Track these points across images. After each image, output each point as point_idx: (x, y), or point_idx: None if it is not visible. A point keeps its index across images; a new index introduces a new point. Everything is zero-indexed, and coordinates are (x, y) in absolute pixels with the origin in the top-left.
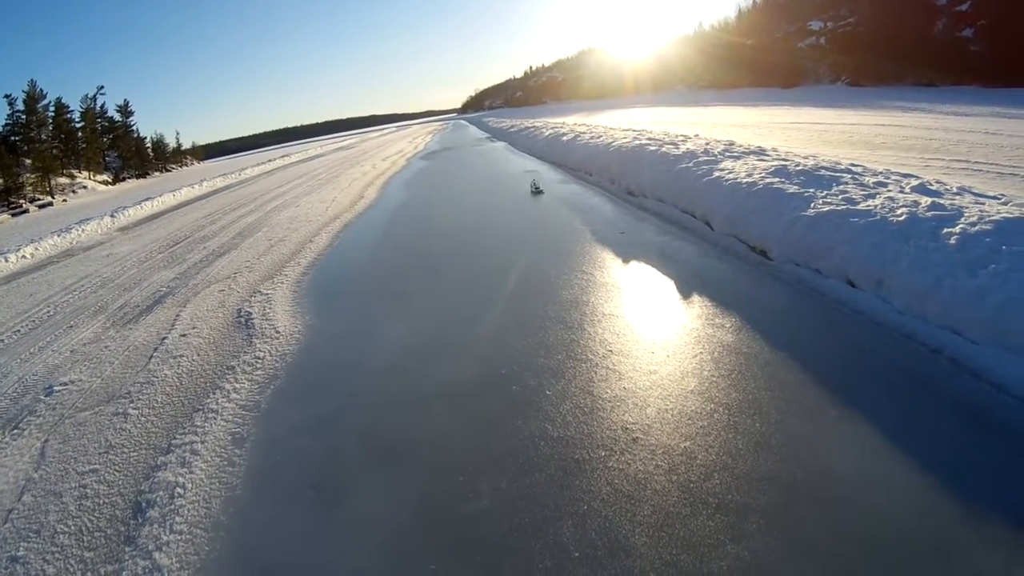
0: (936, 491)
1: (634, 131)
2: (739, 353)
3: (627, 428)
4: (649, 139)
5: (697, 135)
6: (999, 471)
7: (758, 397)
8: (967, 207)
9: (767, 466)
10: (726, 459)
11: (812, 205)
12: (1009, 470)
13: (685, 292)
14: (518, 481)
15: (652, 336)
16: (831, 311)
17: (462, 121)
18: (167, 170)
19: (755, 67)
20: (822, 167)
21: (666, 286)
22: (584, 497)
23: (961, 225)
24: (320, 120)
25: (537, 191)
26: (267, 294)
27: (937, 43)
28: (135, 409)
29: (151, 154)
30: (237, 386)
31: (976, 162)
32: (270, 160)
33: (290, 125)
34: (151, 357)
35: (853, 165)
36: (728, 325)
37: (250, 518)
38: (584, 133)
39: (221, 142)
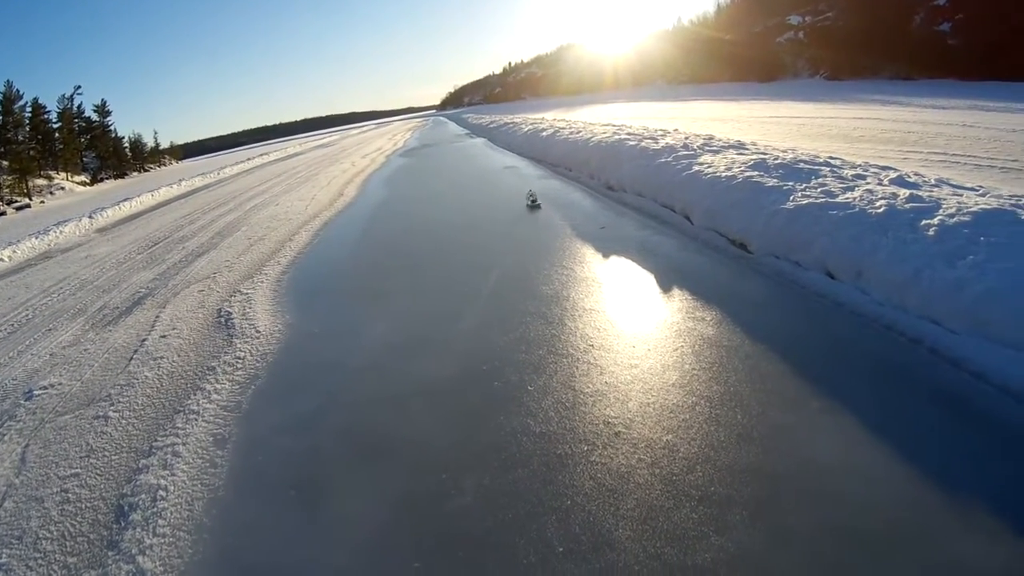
0: (918, 480)
1: (613, 126)
2: (720, 346)
3: (609, 422)
4: (628, 134)
5: (676, 130)
6: (979, 460)
7: (739, 390)
8: (945, 199)
9: (749, 458)
10: (708, 452)
11: (791, 198)
12: (989, 458)
13: (665, 286)
14: (501, 477)
15: (633, 330)
16: (811, 303)
17: (441, 118)
18: (145, 170)
19: (734, 62)
20: (801, 160)
21: (646, 280)
22: (567, 492)
23: (939, 217)
24: (300, 118)
25: (534, 205)
26: (247, 294)
27: (915, 37)
28: (116, 412)
29: (129, 154)
30: (218, 387)
31: (954, 154)
32: (249, 159)
33: (269, 123)
34: (131, 359)
35: (832, 158)
36: (709, 318)
37: (233, 519)
38: (563, 128)
39: (200, 141)
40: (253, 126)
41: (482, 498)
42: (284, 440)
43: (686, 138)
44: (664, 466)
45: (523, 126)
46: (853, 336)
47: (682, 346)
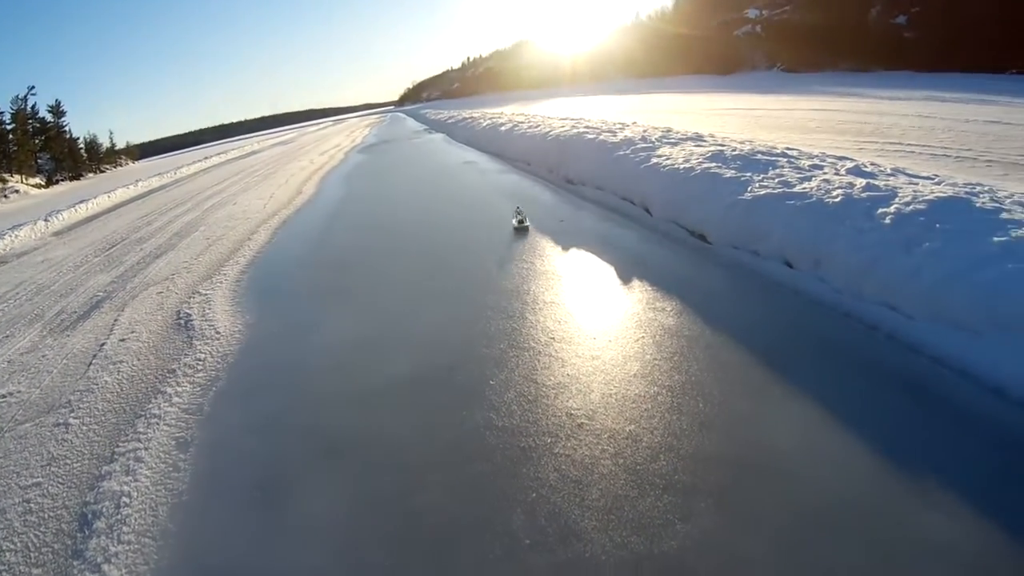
0: (879, 464)
1: (572, 120)
2: (681, 336)
3: (572, 414)
4: (587, 127)
5: (635, 123)
6: (939, 442)
7: (701, 378)
8: (901, 188)
9: (712, 446)
10: (671, 440)
11: (749, 189)
12: (947, 440)
13: (625, 278)
14: (465, 472)
15: (594, 322)
16: (770, 292)
17: (400, 114)
18: (102, 171)
19: (692, 55)
20: (758, 151)
21: (607, 272)
22: (532, 484)
23: (896, 205)
24: (258, 115)
25: (521, 226)
26: (206, 295)
27: (871, 30)
28: (76, 419)
29: (85, 155)
30: (179, 390)
31: (909, 144)
32: (207, 158)
33: (228, 121)
34: (90, 364)
35: (789, 149)
36: (669, 309)
37: (198, 523)
38: (522, 123)
39: (158, 140)
40: (212, 124)
41: (447, 493)
42: (247, 441)
43: (644, 131)
44: (628, 456)
45: (482, 121)
46: (812, 324)
47: (643, 337)
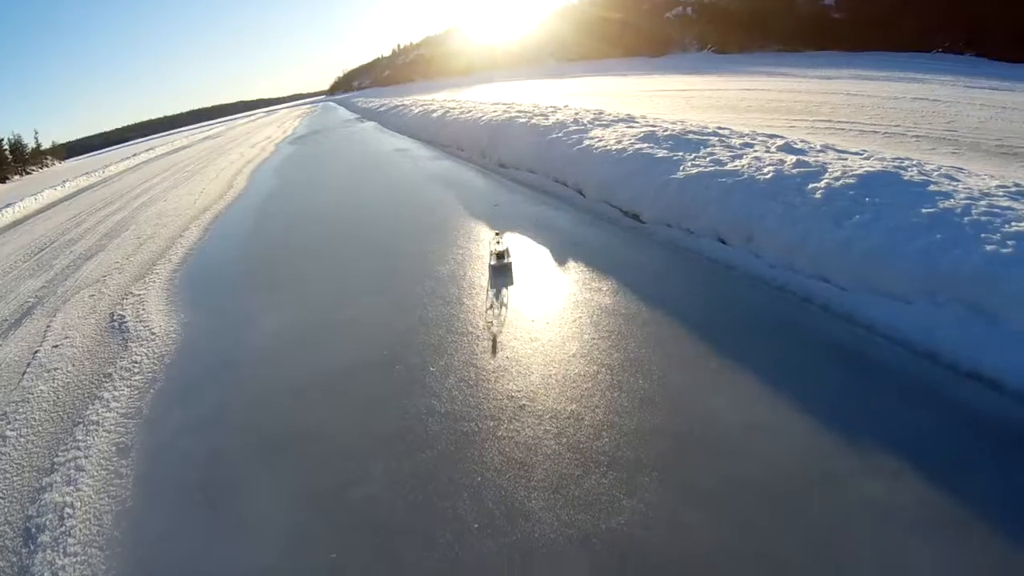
0: (817, 430)
1: (504, 105)
2: (618, 314)
3: (513, 396)
4: (519, 111)
5: (567, 106)
6: (873, 406)
7: (639, 356)
8: (831, 163)
9: (654, 421)
10: (613, 417)
11: (681, 168)
12: (882, 404)
13: (561, 259)
14: (410, 460)
15: (531, 304)
16: (705, 269)
17: (331, 103)
18: (27, 172)
19: (625, 38)
20: (690, 131)
21: (542, 254)
22: (477, 468)
23: (826, 180)
24: (187, 109)
25: (502, 264)
26: (139, 295)
27: (800, 11)
28: (13, 431)
29: (9, 157)
30: (116, 394)
31: (839, 121)
32: (135, 155)
33: (156, 116)
34: (24, 373)
35: (720, 128)
36: (606, 288)
37: (145, 529)
38: (454, 108)
39: (84, 139)
40: (139, 120)
41: (393, 483)
42: (189, 443)
43: (576, 114)
44: (571, 435)
45: (413, 108)
46: (747, 298)
47: (581, 317)
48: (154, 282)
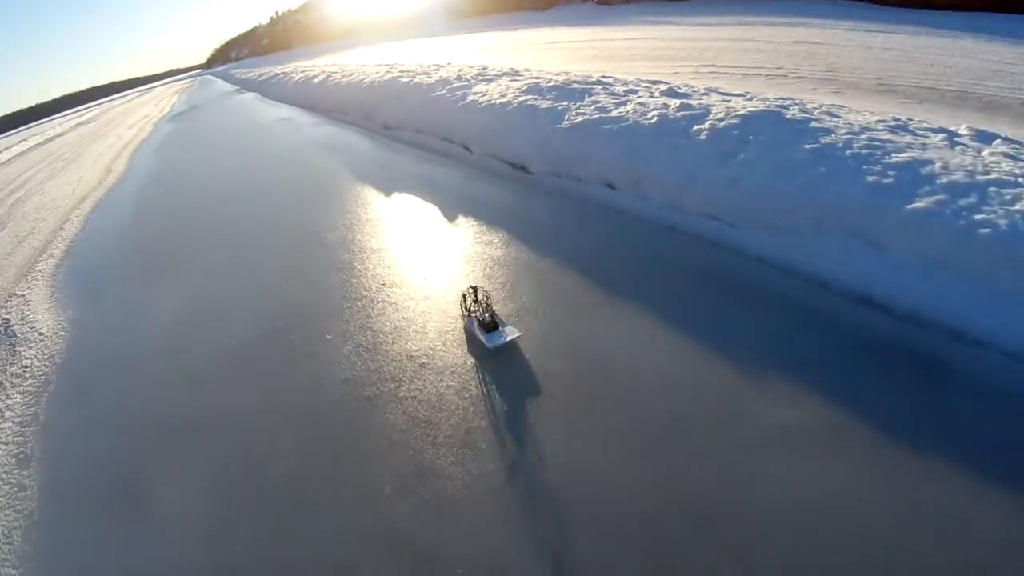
0: (713, 360)
1: (386, 66)
2: (509, 265)
3: (412, 356)
4: (402, 71)
5: (450, 63)
6: (768, 333)
7: (533, 304)
8: (715, 105)
9: (553, 364)
10: (512, 367)
11: (566, 118)
12: (777, 330)
13: (451, 215)
14: (313, 432)
15: (423, 263)
16: (594, 214)
17: (209, 76)
18: None
19: None
20: (574, 81)
21: (432, 213)
22: (382, 431)
23: (710, 122)
24: (58, 95)
25: (492, 329)
26: (23, 295)
27: None
28: None
29: None
30: (9, 402)
31: (723, 66)
32: (7, 148)
33: (26, 106)
34: None
35: (604, 77)
36: (497, 241)
37: (58, 540)
38: (336, 73)
39: None
40: (6, 111)
41: (300, 458)
42: (91, 443)
43: (460, 70)
44: (472, 388)
45: (294, 75)
46: (637, 241)
47: (473, 271)
48: (37, 280)
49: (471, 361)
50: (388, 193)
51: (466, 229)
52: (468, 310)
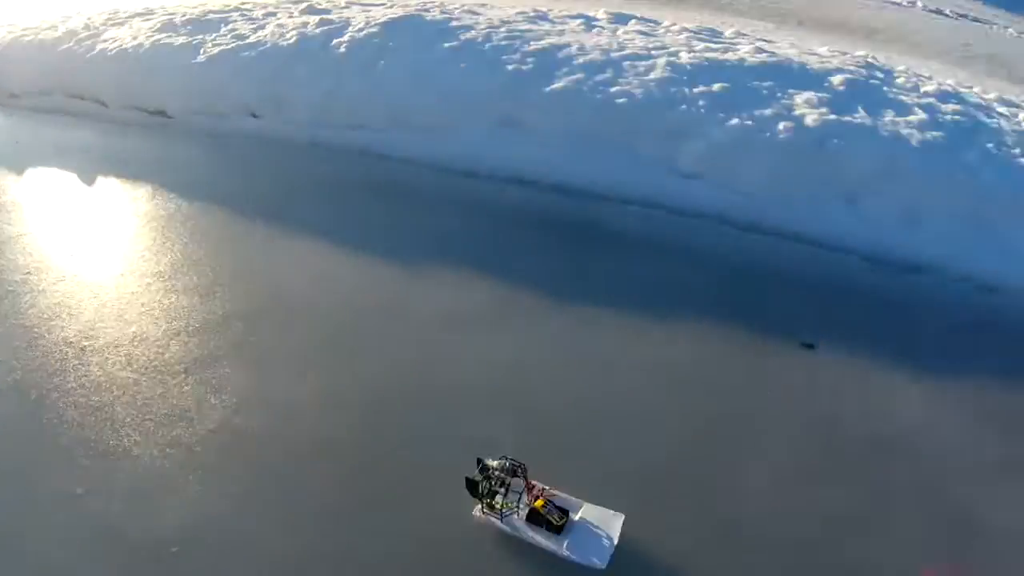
0: (377, 259)
1: (7, 26)
2: (159, 217)
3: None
4: (25, 29)
5: (79, 12)
6: (423, 227)
7: (188, 252)
8: (355, 17)
9: (223, 309)
10: (176, 313)
11: (202, 51)
12: (424, 219)
13: (89, 179)
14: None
15: (68, 231)
16: (238, 146)
17: None
18: None
19: None
20: (210, 12)
21: (69, 180)
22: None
23: (349, 34)
24: None
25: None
26: None
27: None
28: None
29: None
30: None
31: None
32: None
33: None
34: None
35: (244, 3)
36: (142, 194)
37: None
38: None
39: None
40: None
41: None
42: None
43: (88, 18)
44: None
45: None
46: (285, 163)
47: (124, 228)
48: None
49: (146, 321)
50: (14, 170)
51: (110, 188)
52: (490, 503)
